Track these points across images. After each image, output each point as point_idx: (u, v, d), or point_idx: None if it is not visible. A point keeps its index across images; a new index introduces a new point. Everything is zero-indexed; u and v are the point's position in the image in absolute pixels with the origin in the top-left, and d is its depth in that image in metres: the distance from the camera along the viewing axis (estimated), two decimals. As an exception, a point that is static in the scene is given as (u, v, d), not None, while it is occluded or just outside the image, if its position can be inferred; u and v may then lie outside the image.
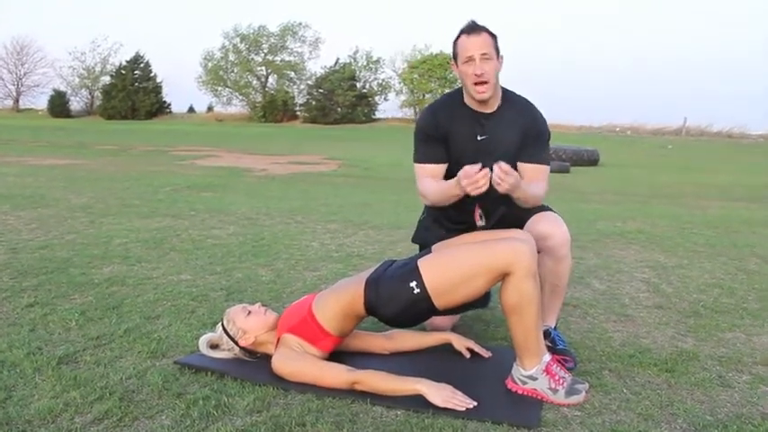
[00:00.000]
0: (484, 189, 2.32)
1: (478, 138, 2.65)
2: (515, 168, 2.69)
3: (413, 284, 2.30)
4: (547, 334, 2.65)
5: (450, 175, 2.67)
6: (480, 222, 2.74)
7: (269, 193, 8.70)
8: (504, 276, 2.24)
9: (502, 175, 2.31)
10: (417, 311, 2.35)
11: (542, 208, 2.71)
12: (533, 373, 2.31)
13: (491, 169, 2.33)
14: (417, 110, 39.34)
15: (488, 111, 2.65)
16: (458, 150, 2.66)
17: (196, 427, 2.03)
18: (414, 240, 3.04)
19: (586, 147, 18.22)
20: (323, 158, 15.79)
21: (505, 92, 2.71)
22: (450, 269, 2.28)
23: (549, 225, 2.62)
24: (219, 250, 4.67)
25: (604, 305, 3.57)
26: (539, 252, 2.57)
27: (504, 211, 2.75)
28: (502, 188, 2.33)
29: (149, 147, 18.22)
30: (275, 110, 42.39)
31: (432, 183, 2.65)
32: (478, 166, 2.33)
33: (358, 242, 5.20)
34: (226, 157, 15.63)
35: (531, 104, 2.74)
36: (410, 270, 2.34)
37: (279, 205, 7.27)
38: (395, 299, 2.33)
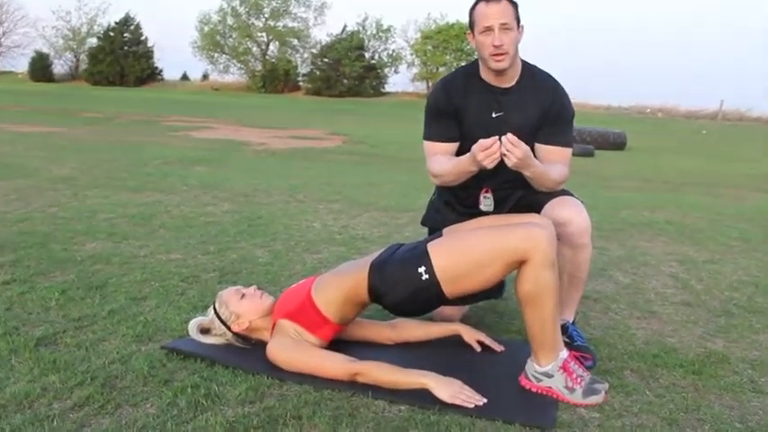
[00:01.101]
0: (498, 160, 2.36)
1: (494, 115, 2.64)
2: (533, 149, 2.68)
3: (421, 270, 2.30)
4: (564, 329, 2.65)
5: (461, 154, 2.66)
6: (485, 206, 2.73)
7: (268, 168, 8.69)
8: (520, 264, 2.24)
9: (509, 146, 2.32)
10: (425, 299, 2.35)
11: (561, 192, 2.70)
12: (549, 369, 2.31)
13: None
14: (430, 84, 39.20)
15: (506, 85, 2.64)
16: (471, 128, 2.65)
17: (183, 417, 2.04)
18: (423, 223, 3.03)
19: (613, 129, 18.11)
20: (326, 133, 15.76)
21: (526, 65, 2.69)
22: (463, 254, 2.28)
23: (568, 210, 2.61)
24: (213, 228, 4.68)
25: (628, 300, 3.57)
26: (557, 239, 2.56)
27: (521, 195, 2.74)
28: (510, 161, 2.34)
29: (138, 116, 18.22)
30: (276, 80, 42.30)
31: (442, 160, 2.65)
32: (494, 138, 2.34)
33: (363, 224, 5.20)
34: (221, 128, 15.62)
35: (554, 80, 2.72)
36: (419, 254, 2.34)
37: (278, 182, 7.27)
38: (401, 285, 2.33)
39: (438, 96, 2.70)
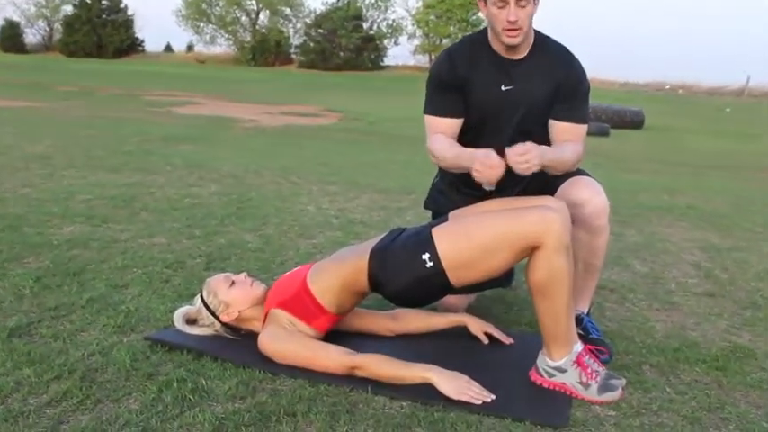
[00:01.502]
0: (494, 182, 2.36)
1: (503, 88, 2.62)
2: (545, 126, 2.67)
3: (425, 257, 2.29)
4: (579, 320, 2.65)
5: (467, 132, 2.64)
6: (488, 186, 2.72)
7: (258, 147, 8.68)
8: (531, 250, 2.23)
9: (518, 159, 2.30)
10: (429, 288, 2.34)
11: (576, 172, 2.69)
12: (562, 364, 2.31)
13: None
14: (432, 57, 39.08)
15: (517, 57, 2.62)
16: (478, 102, 2.63)
17: (169, 413, 2.03)
18: (426, 206, 3.02)
19: (630, 106, 18.10)
20: (321, 110, 15.72)
21: (538, 36, 2.67)
22: (470, 240, 2.27)
23: (584, 190, 2.60)
24: (199, 211, 4.67)
25: (646, 290, 3.57)
26: (572, 223, 2.55)
27: (533, 175, 2.73)
28: (528, 170, 2.33)
29: (118, 90, 18.16)
30: (267, 52, 42.13)
31: (444, 142, 2.62)
32: (501, 162, 2.33)
33: (361, 207, 5.20)
34: (208, 104, 15.58)
35: (569, 52, 2.70)
36: (423, 240, 2.33)
37: (269, 162, 7.25)
38: (404, 273, 2.32)
39: (442, 66, 2.68)
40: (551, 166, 2.49)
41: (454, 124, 2.66)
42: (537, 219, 2.22)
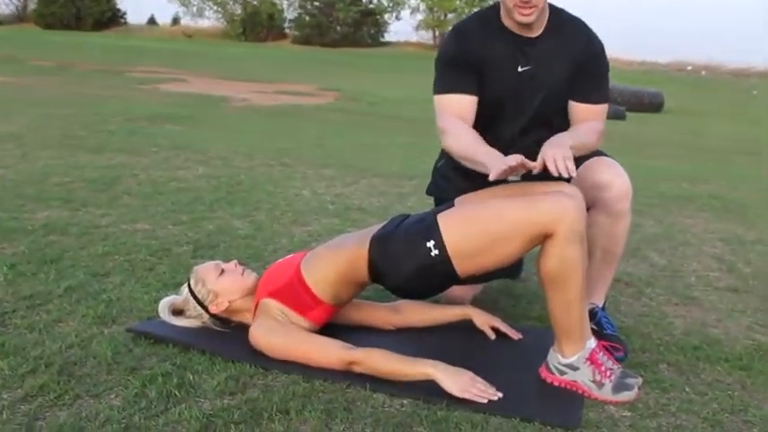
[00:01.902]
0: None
1: (519, 69, 2.61)
2: (564, 110, 2.66)
3: (430, 244, 2.29)
4: (593, 314, 2.66)
5: (481, 117, 2.62)
6: (514, 174, 2.71)
7: (249, 128, 8.67)
8: (543, 239, 2.23)
9: (561, 166, 2.23)
10: (433, 278, 2.34)
11: (597, 152, 2.69)
12: (574, 361, 2.32)
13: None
14: (437, 33, 38.96)
15: (533, 35, 2.61)
16: (493, 85, 2.62)
17: (153, 410, 2.04)
18: (429, 192, 3.02)
19: (648, 88, 18.06)
20: (317, 88, 15.69)
21: (554, 10, 2.66)
22: (478, 227, 2.27)
23: (606, 172, 2.60)
24: (186, 196, 4.67)
25: (664, 284, 3.58)
26: (591, 207, 2.55)
27: None
28: (571, 171, 2.28)
29: (99, 65, 18.11)
30: (258, 25, 41.98)
31: (458, 126, 2.56)
32: (520, 162, 2.24)
33: (359, 193, 5.20)
34: (196, 81, 15.54)
35: (586, 26, 2.69)
36: (427, 227, 2.33)
37: (261, 144, 7.25)
38: (406, 261, 2.32)
39: (452, 47, 2.66)
40: (574, 152, 2.48)
41: (468, 103, 2.61)
42: (550, 206, 2.22)
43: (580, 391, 2.31)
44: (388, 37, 41.78)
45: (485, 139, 2.65)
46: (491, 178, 2.24)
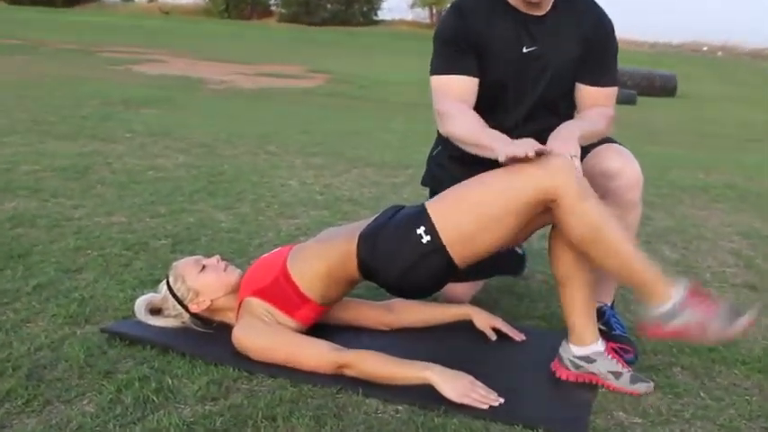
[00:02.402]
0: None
1: (525, 49, 2.61)
2: (571, 94, 2.67)
3: (420, 231, 2.29)
4: (601, 313, 2.66)
5: (482, 100, 2.62)
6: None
7: (232, 112, 8.65)
8: (549, 210, 2.25)
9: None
10: (429, 270, 2.33)
11: (605, 139, 2.69)
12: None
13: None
14: (434, 11, 38.91)
15: (539, 13, 2.61)
16: (495, 67, 2.62)
17: (129, 417, 2.04)
18: (424, 183, 3.02)
19: (660, 70, 18.10)
20: (305, 70, 15.66)
21: None
22: (469, 206, 2.27)
23: (614, 159, 2.60)
24: (164, 186, 4.66)
25: (678, 281, 3.58)
26: (600, 197, 2.55)
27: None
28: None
29: (70, 44, 18.04)
30: (242, 2, 41.89)
31: (459, 109, 2.55)
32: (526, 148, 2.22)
33: (350, 183, 5.19)
34: (174, 62, 15.50)
35: (596, 4, 2.70)
36: (417, 214, 2.33)
37: (245, 130, 7.24)
38: (399, 256, 2.32)
39: (451, 25, 2.65)
40: (583, 141, 2.48)
41: (469, 85, 2.60)
42: (543, 170, 2.21)
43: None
44: (381, 15, 41.77)
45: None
46: (501, 160, 2.22)
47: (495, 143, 2.32)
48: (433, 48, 2.68)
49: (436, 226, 2.28)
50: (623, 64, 18.02)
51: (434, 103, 2.63)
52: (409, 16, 41.03)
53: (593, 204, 2.22)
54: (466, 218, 2.27)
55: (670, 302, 2.21)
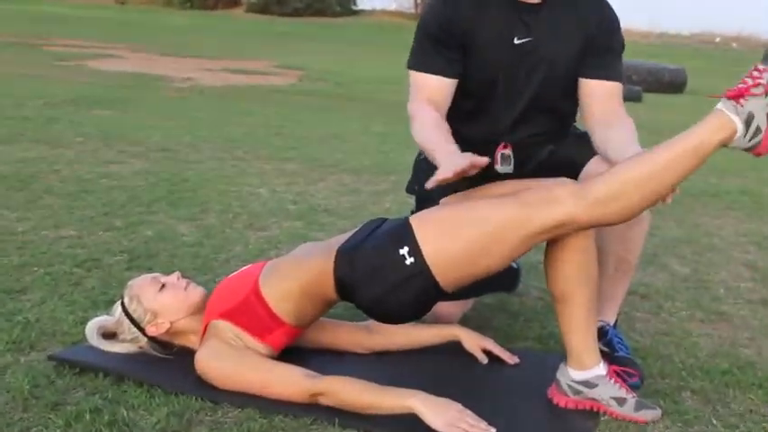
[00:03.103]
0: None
1: (516, 41, 2.62)
2: (570, 97, 2.67)
3: (404, 251, 2.29)
4: (603, 333, 2.68)
5: (469, 100, 2.64)
6: (502, 167, 2.72)
7: (195, 113, 8.63)
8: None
9: None
10: (412, 295, 2.33)
11: None
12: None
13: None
14: (419, 1, 38.99)
15: (535, 0, 2.63)
16: (483, 59, 2.63)
17: (80, 453, 2.03)
18: (408, 190, 3.02)
19: (668, 64, 18.18)
20: (276, 66, 15.66)
21: None
22: (461, 229, 2.28)
23: None
24: (120, 195, 4.65)
25: (687, 297, 3.61)
26: None
27: (552, 149, 2.74)
28: None
29: (10, 36, 17.95)
30: (206, -9, 41.84)
31: (425, 113, 2.59)
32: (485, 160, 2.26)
33: (326, 191, 5.19)
34: (131, 57, 15.46)
35: None
36: (399, 231, 2.34)
37: (210, 133, 7.22)
38: (378, 275, 2.32)
39: (435, 11, 2.67)
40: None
41: (445, 87, 2.65)
42: (542, 198, 2.24)
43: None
44: (360, 4, 41.88)
45: (475, 129, 2.67)
46: (427, 186, 2.21)
47: (442, 159, 2.31)
48: (414, 37, 2.70)
49: (421, 248, 2.28)
50: (627, 57, 18.10)
51: (408, 101, 2.67)
52: (392, 5, 41.17)
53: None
54: (457, 243, 2.27)
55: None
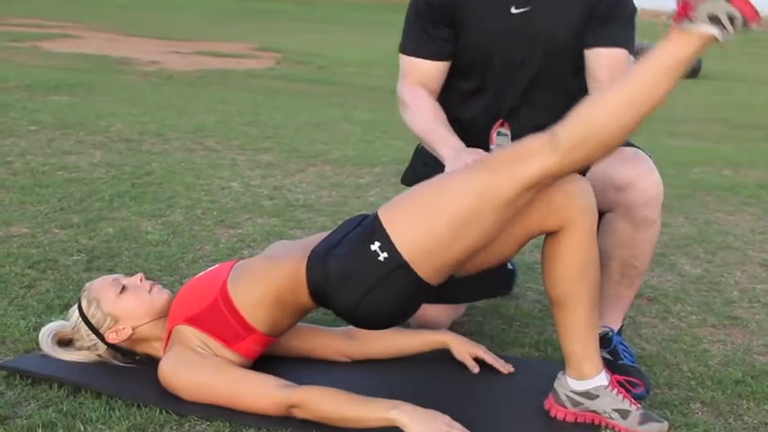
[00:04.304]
0: None
1: (513, 10, 2.63)
2: (576, 74, 2.68)
3: (375, 246, 2.28)
4: (607, 341, 2.69)
5: (464, 79, 2.66)
6: (498, 143, 2.72)
7: (162, 100, 8.62)
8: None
9: None
10: (393, 293, 2.31)
11: None
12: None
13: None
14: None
15: None
16: (478, 31, 2.66)
17: (32, 471, 2.03)
18: (404, 181, 3.01)
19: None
20: (252, 48, 15.64)
21: None
22: (432, 210, 2.26)
23: (631, 168, 2.61)
24: (78, 189, 4.64)
25: (698, 300, 3.62)
26: (609, 210, 2.58)
27: None
28: None
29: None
30: (175, -35, 41.78)
31: (418, 99, 2.64)
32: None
33: (305, 184, 5.19)
34: (90, 38, 15.41)
35: None
36: (368, 226, 2.33)
37: (178, 121, 7.21)
38: (353, 277, 2.30)
39: None
40: None
41: (437, 69, 2.69)
42: (511, 158, 2.24)
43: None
44: (345, -20, 41.76)
45: (476, 112, 2.68)
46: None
47: (444, 150, 2.41)
48: (405, 17, 2.73)
49: (393, 240, 2.26)
50: (638, 39, 18.10)
51: (398, 85, 2.73)
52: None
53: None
54: (430, 230, 2.25)
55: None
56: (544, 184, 2.23)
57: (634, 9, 2.72)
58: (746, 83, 16.64)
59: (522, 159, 2.19)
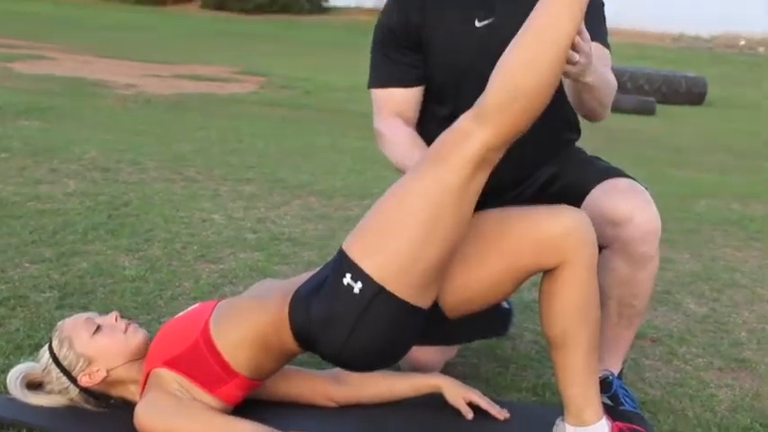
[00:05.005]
0: None
1: (478, 23, 2.68)
2: None
3: (347, 280, 2.25)
4: (607, 385, 2.69)
5: (434, 99, 2.70)
6: None
7: (140, 126, 8.62)
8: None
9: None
10: (379, 327, 2.27)
11: (611, 171, 2.72)
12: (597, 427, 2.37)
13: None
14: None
15: None
16: (445, 47, 2.70)
17: None
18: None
19: (686, 72, 18.33)
20: (235, 72, 15.67)
21: None
22: (392, 224, 2.25)
23: (623, 201, 2.61)
24: (51, 221, 4.63)
25: (705, 341, 3.63)
26: (605, 247, 2.59)
27: (555, 175, 2.77)
28: (578, 73, 2.33)
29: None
30: (154, -17, 41.92)
31: (394, 129, 2.70)
32: None
33: (291, 217, 5.19)
34: (65, 60, 15.43)
35: None
36: (336, 260, 2.32)
37: (156, 149, 7.21)
38: (335, 317, 2.28)
39: (386, 17, 2.79)
40: (594, 89, 2.49)
41: (410, 95, 2.75)
42: (450, 142, 2.25)
43: None
44: (332, 1, 41.96)
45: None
46: None
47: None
48: (371, 51, 2.83)
49: (360, 265, 2.23)
50: (640, 64, 18.17)
51: (374, 119, 2.81)
52: (368, 2, 41.26)
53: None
54: (396, 246, 2.23)
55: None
56: (494, 159, 2.23)
57: (602, 3, 2.77)
58: (755, 110, 16.71)
59: (460, 142, 2.21)
